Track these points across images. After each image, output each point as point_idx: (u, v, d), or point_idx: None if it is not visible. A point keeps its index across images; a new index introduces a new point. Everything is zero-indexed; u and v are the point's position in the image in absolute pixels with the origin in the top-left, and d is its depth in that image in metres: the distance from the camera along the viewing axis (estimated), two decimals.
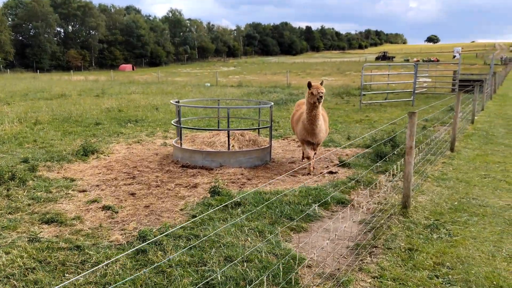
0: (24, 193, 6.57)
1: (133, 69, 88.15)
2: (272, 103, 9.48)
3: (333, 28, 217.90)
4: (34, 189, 6.81)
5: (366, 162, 8.90)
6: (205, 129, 9.05)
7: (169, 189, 7.06)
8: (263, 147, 9.14)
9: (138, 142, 11.08)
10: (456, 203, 6.43)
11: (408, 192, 5.81)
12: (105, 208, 6.02)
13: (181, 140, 9.18)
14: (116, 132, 12.66)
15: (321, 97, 7.36)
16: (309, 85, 7.56)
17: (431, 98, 24.25)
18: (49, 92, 28.13)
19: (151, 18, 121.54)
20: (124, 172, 8.08)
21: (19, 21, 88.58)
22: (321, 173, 8.33)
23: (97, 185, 7.23)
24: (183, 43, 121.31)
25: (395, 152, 9.03)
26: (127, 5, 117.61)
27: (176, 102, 9.53)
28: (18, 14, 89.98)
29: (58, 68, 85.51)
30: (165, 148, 10.50)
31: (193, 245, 4.63)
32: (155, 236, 4.83)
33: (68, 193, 6.71)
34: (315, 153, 8.43)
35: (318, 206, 6.24)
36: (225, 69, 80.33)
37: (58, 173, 7.98)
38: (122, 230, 5.29)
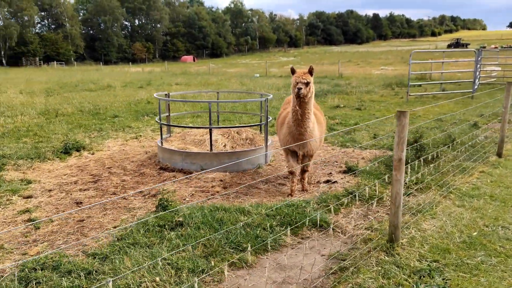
0: None
1: (194, 60, 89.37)
2: (271, 96, 8.11)
3: (403, 15, 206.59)
4: None
5: (380, 169, 7.28)
6: (185, 126, 7.90)
7: (124, 198, 6.03)
8: (255, 147, 7.83)
9: (136, 138, 10.24)
10: (475, 233, 4.74)
11: (396, 221, 4.26)
12: (30, 221, 5.12)
13: (161, 138, 8.14)
14: (125, 126, 11.95)
15: (301, 88, 5.46)
16: (292, 71, 5.72)
17: (499, 89, 21.20)
18: (98, 83, 28.58)
19: (213, 9, 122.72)
20: (92, 174, 7.20)
21: (89, 16, 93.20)
22: (317, 182, 6.88)
23: (50, 190, 6.39)
24: (244, 33, 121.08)
25: (420, 158, 7.25)
26: None
27: (166, 95, 8.50)
28: (88, 9, 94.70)
29: (125, 61, 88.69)
30: (167, 143, 9.54)
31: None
32: (41, 269, 3.79)
33: (10, 199, 5.93)
34: (307, 171, 6.35)
35: (286, 229, 4.88)
36: (284, 59, 78.72)
37: (23, 173, 7.27)
38: (23, 254, 4.33)
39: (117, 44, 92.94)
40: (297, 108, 5.66)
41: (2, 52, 75.26)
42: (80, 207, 5.70)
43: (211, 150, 7.44)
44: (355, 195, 5.95)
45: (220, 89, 21.88)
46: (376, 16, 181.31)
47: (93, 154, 8.69)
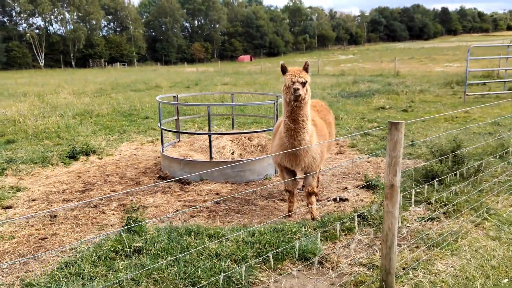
0: None
1: (251, 59, 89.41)
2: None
3: (475, 8, 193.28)
4: None
5: (406, 184, 6.15)
6: (183, 132, 7.19)
7: (103, 212, 5.48)
8: (265, 156, 6.99)
9: (153, 142, 9.78)
10: (506, 280, 3.61)
11: (388, 265, 3.26)
12: None
13: (162, 144, 7.54)
14: (149, 128, 11.60)
15: (298, 88, 4.38)
16: (283, 70, 4.63)
17: None
18: (149, 83, 29.00)
19: (272, 8, 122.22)
20: (85, 183, 6.75)
21: (151, 18, 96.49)
22: (326, 199, 5.91)
23: (34, 200, 6.01)
24: (303, 32, 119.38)
25: (456, 172, 6.01)
26: None
27: (174, 97, 7.91)
28: (150, 11, 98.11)
29: (184, 61, 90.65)
30: (174, 149, 8.99)
31: None
32: None
33: None
34: (312, 194, 5.11)
35: (262, 262, 4.03)
36: (343, 57, 76.34)
37: (20, 179, 7.00)
38: None
39: (176, 44, 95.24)
40: (290, 114, 4.64)
41: (71, 55, 79.94)
42: (52, 221, 5.22)
43: (210, 159, 6.71)
44: (363, 218, 4.95)
45: (234, 91, 21.18)
46: (444, 10, 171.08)
47: (100, 159, 8.32)
